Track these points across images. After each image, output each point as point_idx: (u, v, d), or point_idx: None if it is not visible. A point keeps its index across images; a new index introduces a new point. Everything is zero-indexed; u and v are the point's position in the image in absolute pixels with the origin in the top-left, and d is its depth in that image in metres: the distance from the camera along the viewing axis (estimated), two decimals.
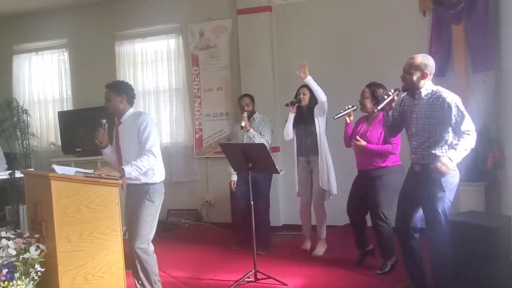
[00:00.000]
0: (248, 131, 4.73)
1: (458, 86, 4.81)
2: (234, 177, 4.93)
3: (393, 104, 3.32)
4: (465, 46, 4.79)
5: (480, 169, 4.53)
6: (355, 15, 5.44)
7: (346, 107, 4.06)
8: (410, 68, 3.16)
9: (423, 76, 3.14)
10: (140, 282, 3.36)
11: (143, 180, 3.31)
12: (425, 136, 3.17)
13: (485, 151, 4.49)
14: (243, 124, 4.72)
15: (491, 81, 4.70)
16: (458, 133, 3.07)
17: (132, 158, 3.25)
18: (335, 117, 4.03)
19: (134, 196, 3.31)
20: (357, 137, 3.91)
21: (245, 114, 4.80)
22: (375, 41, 5.29)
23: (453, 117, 3.05)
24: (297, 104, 4.54)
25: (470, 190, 4.54)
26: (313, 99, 4.52)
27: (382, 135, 3.86)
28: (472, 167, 4.55)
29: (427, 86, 3.18)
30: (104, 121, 3.40)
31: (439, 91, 3.14)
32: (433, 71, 3.19)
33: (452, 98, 3.09)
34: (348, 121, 4.12)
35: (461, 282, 3.21)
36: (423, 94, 3.18)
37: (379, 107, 3.36)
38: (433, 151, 3.13)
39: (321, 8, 5.61)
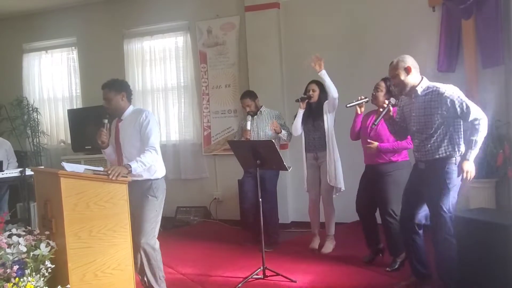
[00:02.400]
0: (278, 133, 4.76)
1: (468, 81, 4.77)
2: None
3: (391, 114, 3.35)
4: (475, 41, 4.74)
5: (490, 165, 4.50)
6: (363, 10, 5.40)
7: (359, 97, 4.06)
8: (392, 71, 3.23)
9: (408, 71, 3.16)
10: (146, 278, 3.37)
11: (146, 176, 3.32)
12: (427, 134, 3.17)
13: (495, 148, 4.46)
14: (248, 127, 4.78)
15: (501, 76, 4.66)
16: (467, 124, 3.07)
17: (133, 155, 3.26)
18: (348, 105, 4.05)
19: (137, 192, 3.30)
20: (369, 140, 3.89)
21: (249, 119, 4.84)
22: (384, 36, 5.25)
23: (458, 109, 3.05)
24: (307, 100, 4.53)
25: (480, 187, 4.51)
26: (322, 95, 4.52)
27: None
28: (482, 164, 4.52)
29: (422, 84, 3.19)
30: (106, 121, 3.40)
31: (436, 87, 3.15)
32: (415, 64, 3.20)
33: (451, 91, 3.09)
34: (359, 112, 4.12)
35: (471, 280, 3.19)
36: (419, 92, 3.19)
37: (375, 122, 3.42)
38: (436, 147, 3.13)
39: (328, 4, 5.58)
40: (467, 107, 3.03)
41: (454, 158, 3.12)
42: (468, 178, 3.04)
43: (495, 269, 3.08)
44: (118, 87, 3.42)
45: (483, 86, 4.74)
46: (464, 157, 3.06)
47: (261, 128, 4.88)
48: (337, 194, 4.55)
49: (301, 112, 4.55)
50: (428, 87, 3.17)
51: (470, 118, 3.03)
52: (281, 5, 5.77)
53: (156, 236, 3.37)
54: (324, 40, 5.56)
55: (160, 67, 6.55)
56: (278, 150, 3.98)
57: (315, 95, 4.54)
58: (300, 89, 4.74)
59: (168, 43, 6.53)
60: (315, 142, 4.55)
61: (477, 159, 4.61)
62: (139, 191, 3.31)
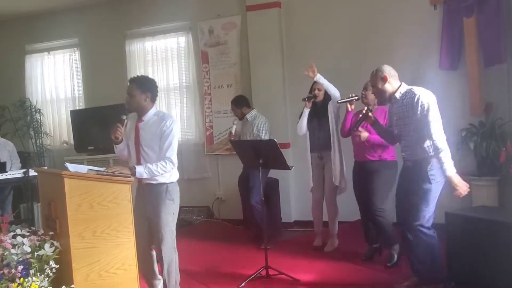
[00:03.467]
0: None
1: (470, 79, 4.78)
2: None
3: (373, 119, 3.47)
4: (477, 39, 4.74)
5: (493, 163, 4.50)
6: (364, 9, 5.40)
7: (350, 95, 4.16)
8: (372, 81, 3.36)
9: (384, 80, 3.26)
10: (163, 282, 3.34)
11: (161, 180, 3.25)
12: (408, 136, 3.26)
13: (498, 146, 4.46)
14: (232, 131, 4.97)
15: (503, 74, 4.66)
16: (422, 136, 3.13)
17: (151, 157, 3.21)
18: (339, 101, 4.23)
19: (152, 195, 3.26)
20: (360, 129, 3.91)
21: (235, 123, 5.02)
22: (386, 35, 5.25)
23: (417, 114, 3.12)
24: (313, 100, 4.54)
25: (482, 185, 4.51)
26: (327, 95, 4.53)
27: (385, 125, 3.87)
28: (485, 162, 4.52)
29: (401, 89, 3.27)
30: (124, 117, 3.29)
31: (412, 91, 3.22)
32: (393, 72, 3.30)
33: (424, 95, 3.14)
34: (350, 109, 4.22)
35: (473, 278, 3.20)
36: (398, 97, 3.28)
37: (355, 127, 3.66)
38: (417, 149, 3.20)
39: (329, 3, 5.58)
40: (426, 117, 3.09)
41: (435, 158, 3.16)
42: (461, 193, 3.07)
43: (498, 267, 3.08)
44: (146, 86, 3.29)
45: (485, 84, 4.74)
46: (445, 175, 3.10)
47: (243, 133, 5.02)
48: (340, 193, 4.56)
49: (307, 112, 4.56)
50: (406, 91, 3.26)
51: (432, 134, 3.07)
52: (282, 4, 5.78)
53: (175, 246, 3.34)
54: (326, 39, 5.57)
55: (162, 67, 6.57)
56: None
57: (320, 94, 4.54)
58: (302, 88, 4.75)
59: (169, 43, 6.54)
60: (320, 141, 4.56)
61: (479, 157, 4.64)
62: (154, 195, 3.26)
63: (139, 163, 3.24)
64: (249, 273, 3.93)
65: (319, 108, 4.56)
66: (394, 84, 3.28)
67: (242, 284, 3.77)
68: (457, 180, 3.07)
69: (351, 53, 5.42)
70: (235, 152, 4.36)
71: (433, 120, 3.10)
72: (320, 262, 4.26)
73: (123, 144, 3.35)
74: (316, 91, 4.54)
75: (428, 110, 3.10)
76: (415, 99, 3.14)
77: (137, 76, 3.41)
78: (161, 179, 3.26)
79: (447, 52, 4.93)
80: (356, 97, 4.14)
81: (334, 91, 4.40)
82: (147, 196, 3.27)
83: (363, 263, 4.12)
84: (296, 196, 5.73)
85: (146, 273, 3.42)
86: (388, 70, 3.29)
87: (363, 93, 4.05)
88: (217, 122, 6.23)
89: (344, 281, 3.78)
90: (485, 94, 4.74)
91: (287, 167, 3.99)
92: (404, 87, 3.28)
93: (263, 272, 3.91)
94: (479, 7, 4.66)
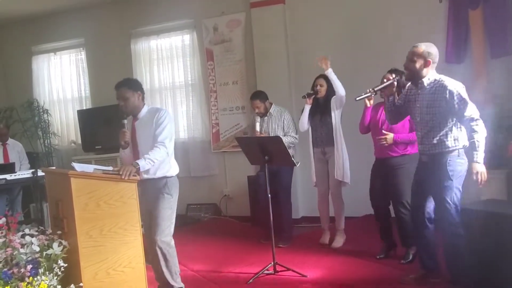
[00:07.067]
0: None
1: (476, 72, 4.73)
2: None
3: (394, 90, 3.35)
4: (483, 31, 4.70)
5: (501, 156, 4.46)
6: (369, 3, 5.36)
7: (368, 90, 4.03)
8: (413, 55, 3.15)
9: (426, 64, 3.12)
10: (162, 275, 3.38)
11: (160, 174, 3.33)
12: (430, 126, 3.16)
13: (506, 138, 4.42)
14: (257, 129, 4.75)
15: (510, 66, 4.60)
16: (461, 121, 3.07)
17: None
18: (357, 98, 3.88)
19: (152, 190, 3.33)
20: (383, 131, 3.86)
21: (258, 120, 4.79)
22: (392, 28, 5.21)
23: (455, 105, 3.04)
24: (313, 96, 4.53)
25: (491, 178, 4.40)
26: (330, 91, 4.50)
27: (408, 121, 3.80)
28: (493, 155, 4.48)
29: (429, 75, 3.16)
30: (125, 121, 3.37)
31: (442, 80, 3.12)
32: (437, 59, 3.16)
33: (454, 86, 3.07)
34: (368, 105, 4.07)
35: (483, 272, 3.17)
36: (425, 83, 3.17)
37: (375, 89, 3.39)
38: (438, 140, 3.12)
39: None
40: (465, 104, 3.01)
41: (456, 151, 3.12)
42: (479, 180, 3.02)
43: (507, 261, 3.06)
44: (135, 86, 3.40)
45: (492, 76, 4.69)
46: (473, 160, 3.04)
47: (272, 129, 4.83)
48: (345, 185, 4.54)
49: (307, 108, 4.55)
50: (435, 80, 3.16)
51: (465, 117, 3.01)
52: (286, 1, 5.76)
53: (172, 233, 3.38)
54: (330, 34, 5.55)
55: (168, 65, 6.58)
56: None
57: (322, 90, 4.52)
58: (307, 84, 4.74)
59: (174, 41, 6.55)
60: (323, 137, 4.54)
61: (487, 150, 4.59)
62: (154, 189, 3.33)
63: (138, 158, 3.27)
64: (257, 269, 3.93)
65: (321, 104, 4.54)
66: (430, 71, 3.15)
67: (250, 281, 3.78)
68: (482, 169, 3.00)
69: (356, 48, 5.40)
70: (241, 149, 4.35)
71: (470, 103, 3.01)
72: (328, 258, 4.25)
73: (129, 148, 3.42)
74: (318, 87, 4.52)
75: (461, 97, 3.01)
76: (447, 89, 3.04)
77: (122, 80, 3.44)
78: (160, 173, 3.33)
79: (453, 45, 4.89)
80: (374, 92, 3.87)
81: (341, 90, 4.36)
82: (148, 191, 3.34)
83: (372, 259, 4.07)
84: (303, 192, 5.72)
85: (156, 266, 3.43)
86: (435, 56, 3.12)
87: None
88: (223, 119, 6.23)
89: (352, 277, 3.77)
90: (492, 87, 4.70)
91: (293, 164, 3.99)
92: (434, 75, 3.16)
93: (271, 269, 3.91)
94: None
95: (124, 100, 3.36)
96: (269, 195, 4.00)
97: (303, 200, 5.74)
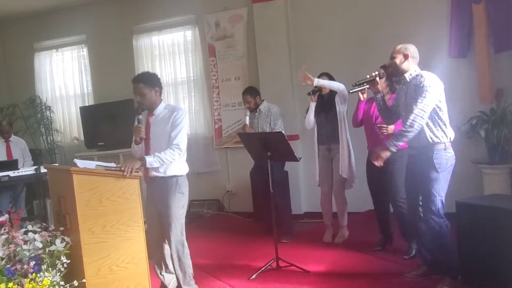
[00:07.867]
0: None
1: (480, 66, 4.71)
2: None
3: (378, 87, 3.41)
4: (486, 25, 4.67)
5: (505, 151, 4.44)
6: None
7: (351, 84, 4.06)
8: (392, 53, 3.31)
9: (405, 57, 3.24)
10: (175, 276, 3.36)
11: (170, 172, 3.26)
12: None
13: (509, 133, 4.40)
14: (247, 122, 4.83)
15: None
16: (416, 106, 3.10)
17: (163, 150, 3.20)
18: (350, 91, 3.97)
19: (162, 189, 3.27)
20: (382, 125, 3.85)
21: (248, 114, 4.88)
22: (394, 24, 5.18)
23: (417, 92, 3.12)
24: (318, 93, 4.51)
25: (493, 172, 4.46)
26: None
27: (373, 115, 3.83)
28: (496, 150, 4.47)
29: (412, 71, 3.25)
30: (140, 117, 3.28)
31: (421, 75, 3.19)
32: (416, 55, 3.27)
33: (427, 79, 3.12)
34: (362, 98, 4.12)
35: (485, 267, 3.17)
36: (407, 78, 3.26)
37: (358, 82, 3.49)
38: (423, 134, 3.15)
39: None
40: (423, 97, 3.07)
41: (443, 144, 3.16)
42: (377, 161, 3.19)
43: (510, 257, 3.05)
44: (153, 82, 3.30)
45: (496, 70, 4.67)
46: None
47: (259, 125, 4.93)
48: (352, 185, 4.53)
49: (313, 105, 4.53)
50: (416, 75, 3.22)
51: (417, 106, 3.06)
52: None
53: (184, 232, 3.34)
54: (333, 30, 5.52)
55: (170, 61, 6.58)
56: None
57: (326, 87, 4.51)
58: None
59: (176, 37, 6.54)
60: (328, 134, 4.52)
61: (490, 145, 4.58)
62: (164, 188, 3.26)
63: (148, 154, 3.23)
64: (260, 265, 3.94)
65: (326, 101, 4.53)
66: (411, 66, 3.25)
67: (253, 276, 3.78)
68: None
69: (359, 44, 5.37)
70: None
71: (425, 99, 3.06)
72: (331, 253, 4.25)
73: (142, 144, 3.36)
74: None
75: (426, 90, 3.07)
76: (422, 82, 3.12)
77: (140, 74, 3.37)
78: (171, 172, 3.26)
79: (456, 39, 4.86)
80: (366, 86, 3.97)
81: (337, 86, 4.36)
82: (157, 189, 3.28)
83: (375, 254, 4.09)
84: (306, 188, 5.72)
85: (157, 265, 3.44)
86: (413, 51, 3.27)
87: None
88: (225, 115, 6.23)
89: (355, 272, 3.77)
90: (495, 81, 4.68)
91: (295, 159, 3.98)
92: (417, 70, 3.25)
93: (274, 264, 3.91)
94: None
95: (141, 96, 3.28)
96: (271, 191, 4.00)
97: (306, 196, 5.74)
